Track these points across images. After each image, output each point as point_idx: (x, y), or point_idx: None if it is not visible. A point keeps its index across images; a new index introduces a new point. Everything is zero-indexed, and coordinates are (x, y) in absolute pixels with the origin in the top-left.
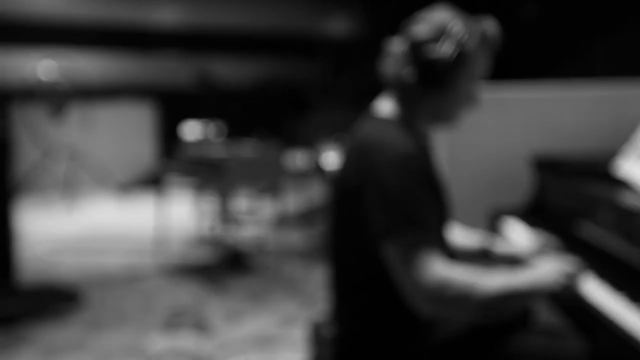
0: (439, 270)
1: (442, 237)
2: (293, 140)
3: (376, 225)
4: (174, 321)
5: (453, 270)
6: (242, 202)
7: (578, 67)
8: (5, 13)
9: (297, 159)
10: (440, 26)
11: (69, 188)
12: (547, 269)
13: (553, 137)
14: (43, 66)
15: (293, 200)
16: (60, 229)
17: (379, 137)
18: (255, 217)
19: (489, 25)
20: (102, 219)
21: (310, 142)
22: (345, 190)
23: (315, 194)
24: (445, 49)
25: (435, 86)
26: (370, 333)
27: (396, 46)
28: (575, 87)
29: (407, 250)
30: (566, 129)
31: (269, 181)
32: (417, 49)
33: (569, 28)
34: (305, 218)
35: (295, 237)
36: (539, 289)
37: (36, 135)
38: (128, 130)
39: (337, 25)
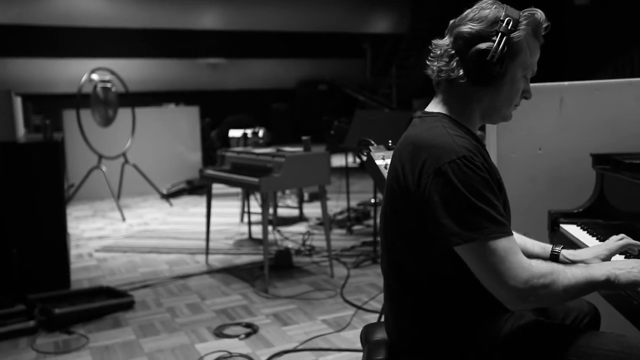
0: (523, 259)
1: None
2: (340, 139)
3: (448, 227)
4: (224, 324)
5: (533, 260)
6: (289, 204)
7: None
8: (61, 25)
9: (344, 159)
10: (488, 22)
11: (121, 192)
12: (624, 263)
13: (617, 133)
14: (96, 74)
15: (342, 202)
16: (112, 233)
17: (435, 137)
18: (304, 219)
19: (537, 14)
20: (153, 223)
21: (357, 141)
22: (401, 192)
23: (364, 195)
24: (495, 45)
25: (488, 83)
26: (426, 334)
27: (444, 44)
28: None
29: (488, 246)
30: (632, 124)
31: (316, 184)
32: (467, 47)
33: (630, 13)
34: (354, 219)
35: (344, 239)
36: (615, 281)
37: (89, 141)
38: (177, 134)
39: (381, 23)
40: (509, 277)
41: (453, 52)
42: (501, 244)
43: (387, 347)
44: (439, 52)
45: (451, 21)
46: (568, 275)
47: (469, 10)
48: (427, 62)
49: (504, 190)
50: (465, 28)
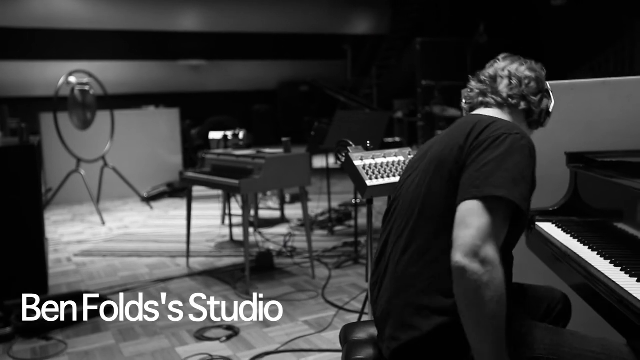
0: (495, 252)
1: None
2: (321, 140)
3: (482, 179)
4: (205, 327)
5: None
6: (271, 206)
7: (617, 55)
8: (38, 27)
9: (325, 160)
10: (530, 67)
11: (100, 196)
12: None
13: (591, 131)
14: (74, 76)
15: (323, 203)
16: (92, 237)
17: (502, 120)
18: (285, 220)
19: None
20: (133, 226)
21: (337, 142)
22: (456, 161)
23: (345, 196)
24: (542, 96)
25: (530, 117)
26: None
27: (481, 73)
28: (615, 78)
29: (501, 205)
30: (606, 123)
31: (297, 185)
32: (524, 86)
33: (606, 13)
34: (335, 220)
35: (325, 240)
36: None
37: (67, 144)
38: (157, 137)
39: (362, 24)
40: (486, 240)
41: (509, 83)
42: (505, 213)
43: (374, 344)
44: (514, 82)
45: (505, 54)
46: (503, 312)
47: (521, 59)
48: (472, 86)
49: None
50: (531, 74)
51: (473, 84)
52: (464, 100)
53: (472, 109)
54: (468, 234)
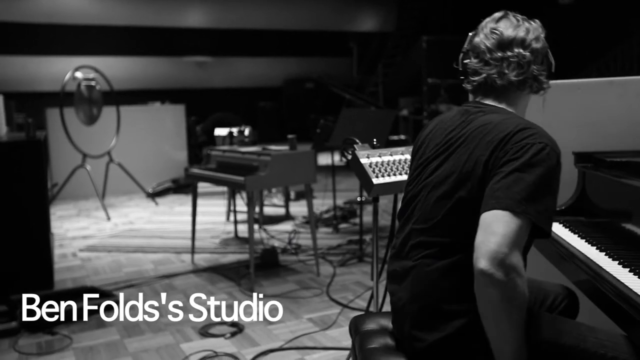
0: (520, 259)
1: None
2: (326, 138)
3: (507, 194)
4: (209, 324)
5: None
6: (275, 203)
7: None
8: (44, 23)
9: (331, 158)
10: (543, 41)
11: (106, 191)
12: None
13: (598, 131)
14: (80, 72)
15: (328, 200)
16: (97, 232)
17: (523, 121)
18: (290, 217)
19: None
20: (138, 222)
21: (342, 140)
22: (483, 172)
23: (350, 193)
24: (547, 60)
25: (533, 90)
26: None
27: (482, 47)
28: (623, 77)
29: (525, 224)
30: (613, 123)
31: (302, 182)
32: (532, 66)
33: (614, 12)
34: (340, 217)
35: (330, 237)
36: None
37: (73, 139)
38: (162, 133)
39: (368, 22)
40: (512, 247)
41: (500, 58)
42: (526, 224)
43: (387, 334)
44: (478, 55)
45: (486, 22)
46: (522, 320)
47: (524, 24)
48: (475, 67)
49: None
50: (538, 45)
51: (475, 62)
52: (466, 81)
53: (476, 90)
54: (493, 241)
